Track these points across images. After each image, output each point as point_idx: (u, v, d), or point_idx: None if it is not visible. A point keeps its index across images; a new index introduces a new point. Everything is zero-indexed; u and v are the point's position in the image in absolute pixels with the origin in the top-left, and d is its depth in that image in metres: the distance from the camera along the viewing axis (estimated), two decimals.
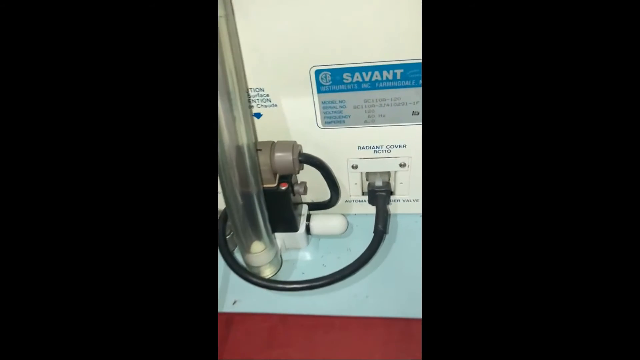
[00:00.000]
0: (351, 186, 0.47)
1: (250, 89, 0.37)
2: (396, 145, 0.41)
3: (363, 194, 0.47)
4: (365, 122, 0.39)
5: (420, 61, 0.34)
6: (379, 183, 0.44)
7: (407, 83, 0.36)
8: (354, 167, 0.44)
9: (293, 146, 0.39)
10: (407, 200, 0.48)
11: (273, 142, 0.39)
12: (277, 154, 0.38)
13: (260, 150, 0.38)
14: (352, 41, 0.33)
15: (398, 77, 0.36)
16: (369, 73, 0.35)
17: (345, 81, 0.36)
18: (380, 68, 0.35)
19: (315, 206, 0.48)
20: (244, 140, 0.32)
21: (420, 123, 0.39)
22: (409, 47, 0.33)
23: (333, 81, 0.36)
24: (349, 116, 0.39)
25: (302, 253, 0.46)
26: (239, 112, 0.31)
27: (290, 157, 0.38)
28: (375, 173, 0.45)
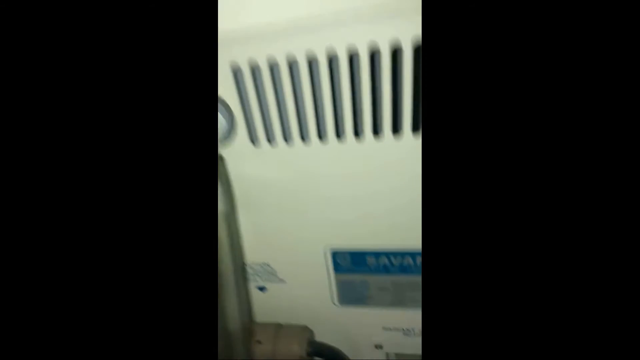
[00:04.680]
0: None
1: (252, 263, 0.31)
2: None
3: None
4: (393, 304, 0.32)
5: None
6: None
7: None
8: (378, 346, 0.35)
9: (301, 335, 0.31)
10: None
11: (279, 326, 0.32)
12: (281, 348, 0.30)
13: (259, 342, 0.30)
14: (374, 222, 0.27)
15: None
16: (398, 258, 0.28)
17: (368, 264, 0.29)
18: (414, 254, 0.28)
19: None
20: (232, 326, 0.25)
21: None
22: None
23: (353, 262, 0.29)
24: (372, 297, 0.32)
25: None
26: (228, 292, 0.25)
27: (298, 352, 0.30)
28: (404, 355, 0.37)
